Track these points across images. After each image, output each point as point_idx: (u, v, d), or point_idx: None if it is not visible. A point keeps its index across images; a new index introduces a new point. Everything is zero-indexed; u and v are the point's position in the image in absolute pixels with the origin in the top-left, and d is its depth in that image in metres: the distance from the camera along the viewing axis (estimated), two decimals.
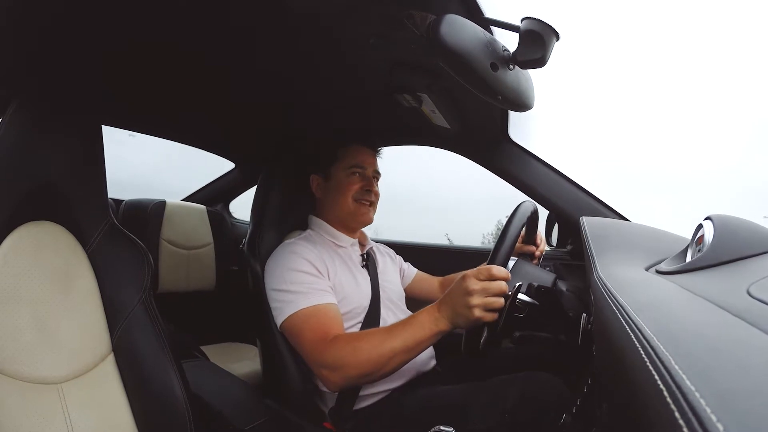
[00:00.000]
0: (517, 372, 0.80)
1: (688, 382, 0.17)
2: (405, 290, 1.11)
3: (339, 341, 0.75)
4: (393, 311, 0.96)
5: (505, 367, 0.95)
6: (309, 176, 1.01)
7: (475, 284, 0.67)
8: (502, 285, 0.66)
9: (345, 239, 0.98)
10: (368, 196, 0.97)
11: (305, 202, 1.10)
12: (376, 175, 1.01)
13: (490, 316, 0.66)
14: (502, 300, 0.66)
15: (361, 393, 0.84)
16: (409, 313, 0.95)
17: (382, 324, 0.91)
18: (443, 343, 1.00)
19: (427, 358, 0.95)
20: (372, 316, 0.91)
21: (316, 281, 0.84)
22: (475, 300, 0.66)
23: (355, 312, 0.89)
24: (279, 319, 0.83)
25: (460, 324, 0.69)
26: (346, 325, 0.88)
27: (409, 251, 1.25)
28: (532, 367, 0.90)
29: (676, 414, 0.15)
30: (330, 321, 0.80)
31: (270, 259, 0.90)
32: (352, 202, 0.95)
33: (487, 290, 0.66)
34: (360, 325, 0.89)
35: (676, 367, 0.18)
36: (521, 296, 0.73)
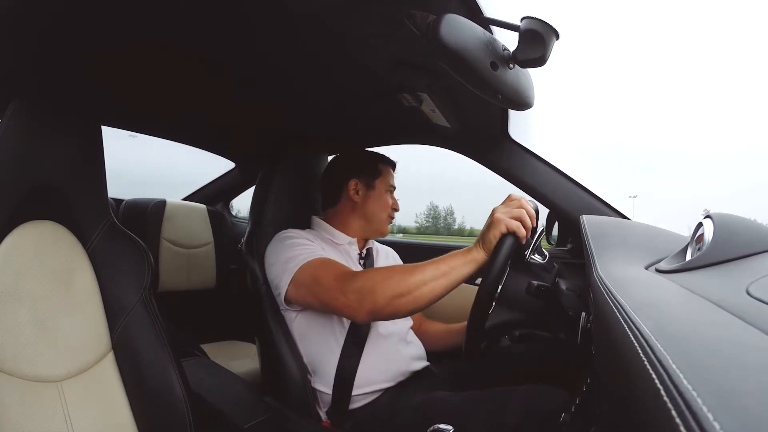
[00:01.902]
0: (517, 374, 0.80)
1: (685, 381, 0.17)
2: None
3: (366, 271, 0.79)
4: None
5: (504, 366, 0.96)
6: (348, 179, 1.01)
7: (497, 207, 0.76)
8: (522, 201, 0.75)
9: (342, 237, 1.00)
10: (393, 213, 1.08)
11: (304, 202, 1.10)
12: None
13: (513, 224, 0.71)
14: (523, 210, 0.73)
15: (355, 393, 0.84)
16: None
17: (373, 324, 0.90)
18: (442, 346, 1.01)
19: (417, 356, 0.95)
20: None
21: (315, 247, 0.89)
22: (499, 212, 0.73)
23: None
24: (286, 278, 0.83)
25: (492, 241, 0.72)
26: (334, 321, 0.88)
27: (409, 251, 1.25)
28: (531, 366, 0.90)
29: (673, 412, 0.15)
30: (345, 267, 0.82)
31: (267, 248, 0.94)
32: (386, 216, 1.04)
33: (508, 203, 0.75)
34: (348, 322, 0.88)
35: (674, 365, 0.18)
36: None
